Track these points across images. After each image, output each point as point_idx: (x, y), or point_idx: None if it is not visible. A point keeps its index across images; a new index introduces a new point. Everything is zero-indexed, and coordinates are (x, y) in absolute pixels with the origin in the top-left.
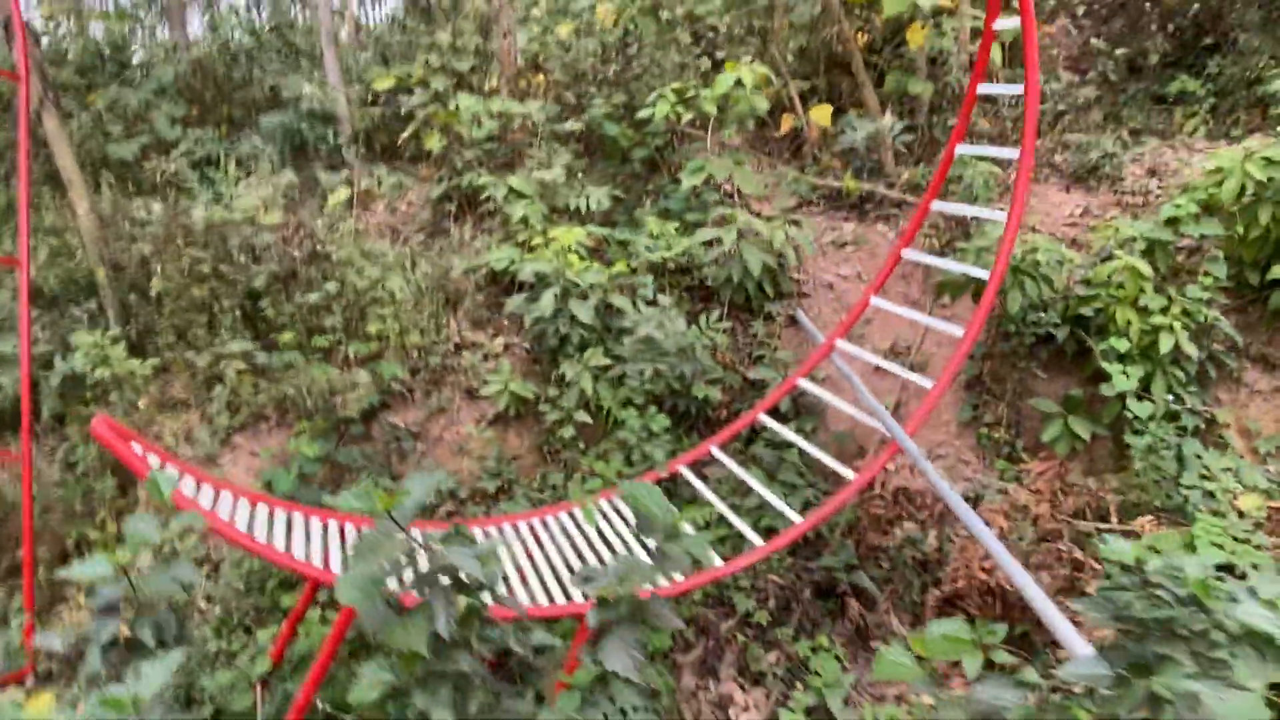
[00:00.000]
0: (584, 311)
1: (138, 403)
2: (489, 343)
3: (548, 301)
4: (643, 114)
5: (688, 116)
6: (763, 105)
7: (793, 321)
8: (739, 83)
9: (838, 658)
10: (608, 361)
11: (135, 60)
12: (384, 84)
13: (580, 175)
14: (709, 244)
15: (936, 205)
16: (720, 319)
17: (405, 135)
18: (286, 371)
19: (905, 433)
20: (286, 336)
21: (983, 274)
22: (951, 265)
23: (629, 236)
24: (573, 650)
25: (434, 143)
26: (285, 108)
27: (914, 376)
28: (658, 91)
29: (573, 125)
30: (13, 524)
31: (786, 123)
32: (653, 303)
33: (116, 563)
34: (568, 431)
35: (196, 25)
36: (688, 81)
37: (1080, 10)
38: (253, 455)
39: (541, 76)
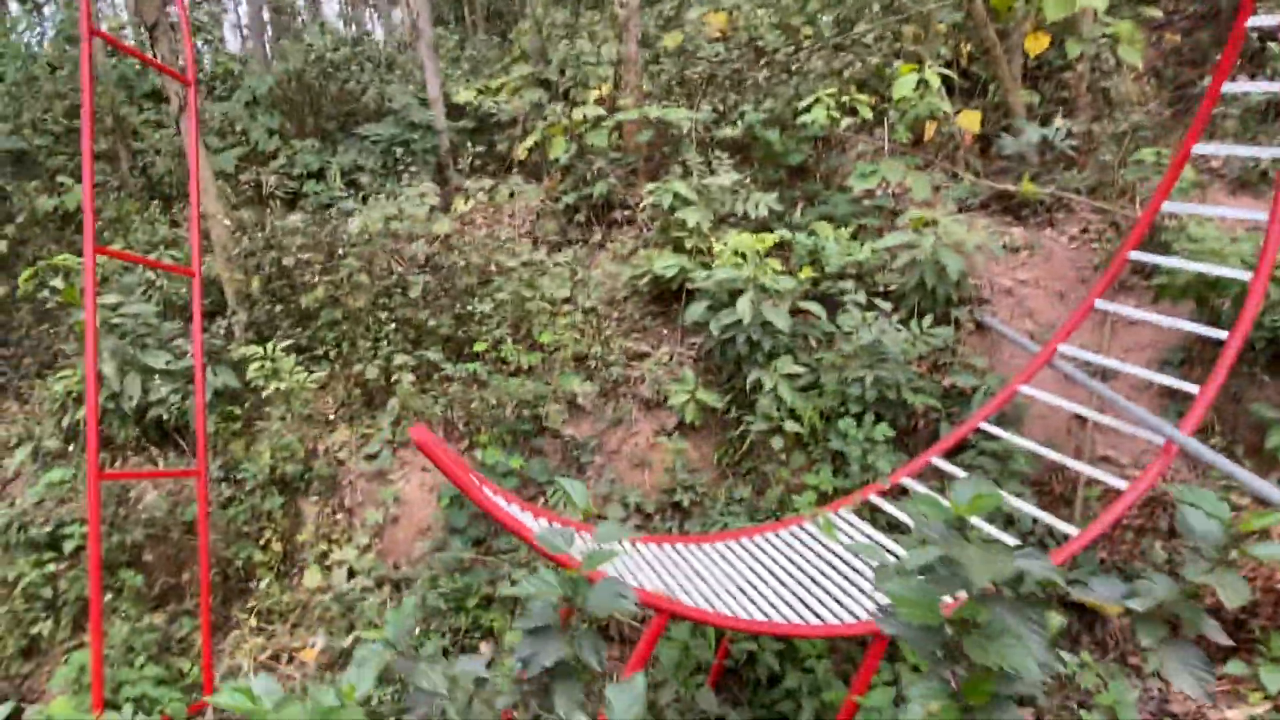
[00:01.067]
0: (779, 318)
1: (303, 415)
2: (654, 351)
3: (744, 307)
4: (803, 119)
5: (845, 121)
6: (945, 107)
7: (979, 327)
8: (922, 84)
9: (1099, 675)
10: (800, 369)
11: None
12: (467, 95)
13: (748, 182)
14: (894, 249)
15: (1169, 206)
16: (932, 325)
17: (526, 144)
18: (470, 383)
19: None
20: (480, 346)
21: (1244, 275)
22: (1196, 266)
23: (806, 241)
24: (867, 669)
25: (559, 151)
26: (382, 119)
27: (1172, 381)
28: (814, 95)
29: (730, 131)
30: (172, 545)
31: (931, 128)
32: (869, 307)
33: (568, 575)
34: (776, 442)
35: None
36: (829, 87)
37: None
38: (424, 470)
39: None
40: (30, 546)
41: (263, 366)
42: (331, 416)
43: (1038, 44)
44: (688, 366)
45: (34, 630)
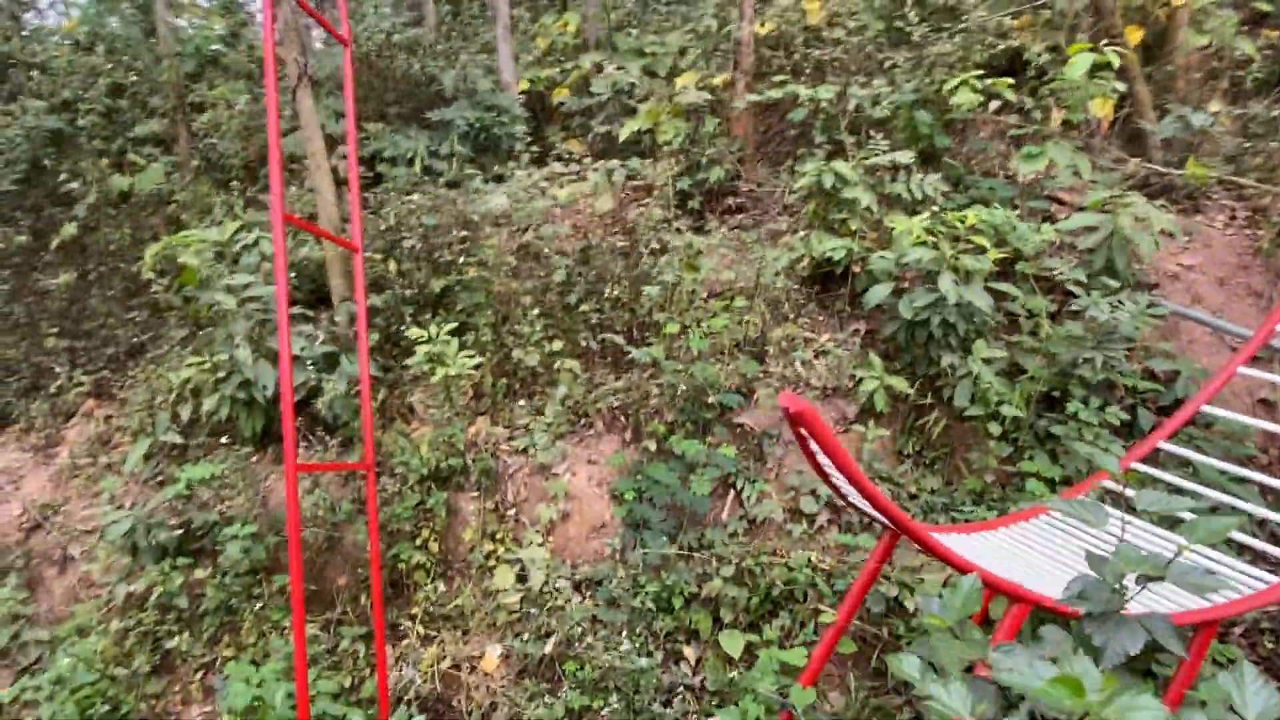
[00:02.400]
0: (980, 298)
1: (460, 404)
2: (819, 337)
3: (948, 287)
4: (953, 100)
5: (988, 104)
6: (1120, 86)
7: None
8: (1101, 66)
9: None
10: (999, 353)
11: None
12: (538, 77)
13: (909, 163)
14: (1076, 231)
15: None
16: (1149, 306)
17: (632, 127)
18: (640, 368)
19: None
20: (671, 328)
21: None
22: None
23: (993, 219)
24: (1196, 658)
25: (668, 135)
26: (449, 103)
27: None
28: (959, 78)
29: (879, 112)
30: (309, 548)
31: (1106, 107)
32: (1084, 285)
33: None
34: (979, 429)
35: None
36: (967, 70)
37: None
38: (590, 464)
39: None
40: (159, 552)
41: (428, 353)
42: (482, 407)
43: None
44: (871, 352)
45: (168, 645)
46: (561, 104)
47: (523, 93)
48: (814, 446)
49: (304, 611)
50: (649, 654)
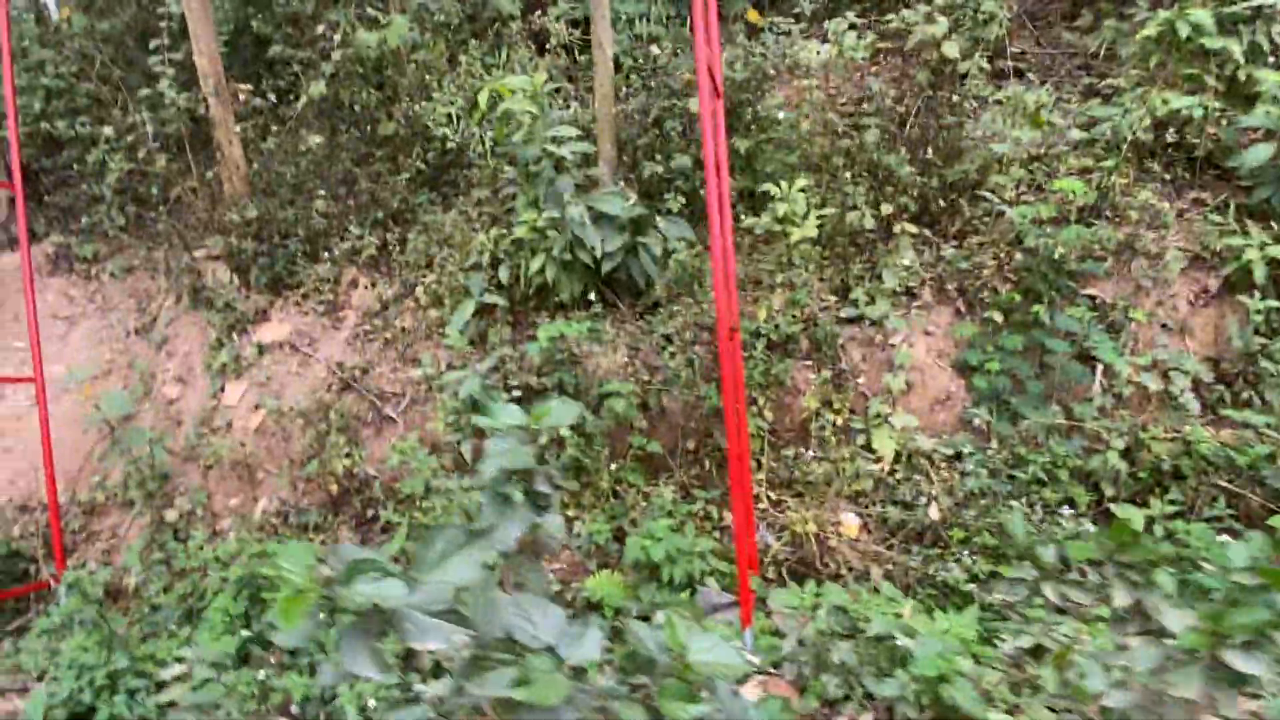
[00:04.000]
0: None
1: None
2: (1166, 204)
3: None
4: None
5: None
6: None
7: None
8: None
9: None
10: None
11: None
12: None
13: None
14: None
15: None
16: None
17: None
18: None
19: None
20: (1006, 191)
21: None
22: None
23: None
24: None
25: None
26: None
27: None
28: None
29: None
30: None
31: None
32: None
33: None
34: None
35: None
36: None
37: None
38: (928, 334)
39: None
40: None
41: (772, 211)
42: (812, 273)
43: None
44: (1248, 219)
45: None
46: None
47: None
48: None
49: (747, 472)
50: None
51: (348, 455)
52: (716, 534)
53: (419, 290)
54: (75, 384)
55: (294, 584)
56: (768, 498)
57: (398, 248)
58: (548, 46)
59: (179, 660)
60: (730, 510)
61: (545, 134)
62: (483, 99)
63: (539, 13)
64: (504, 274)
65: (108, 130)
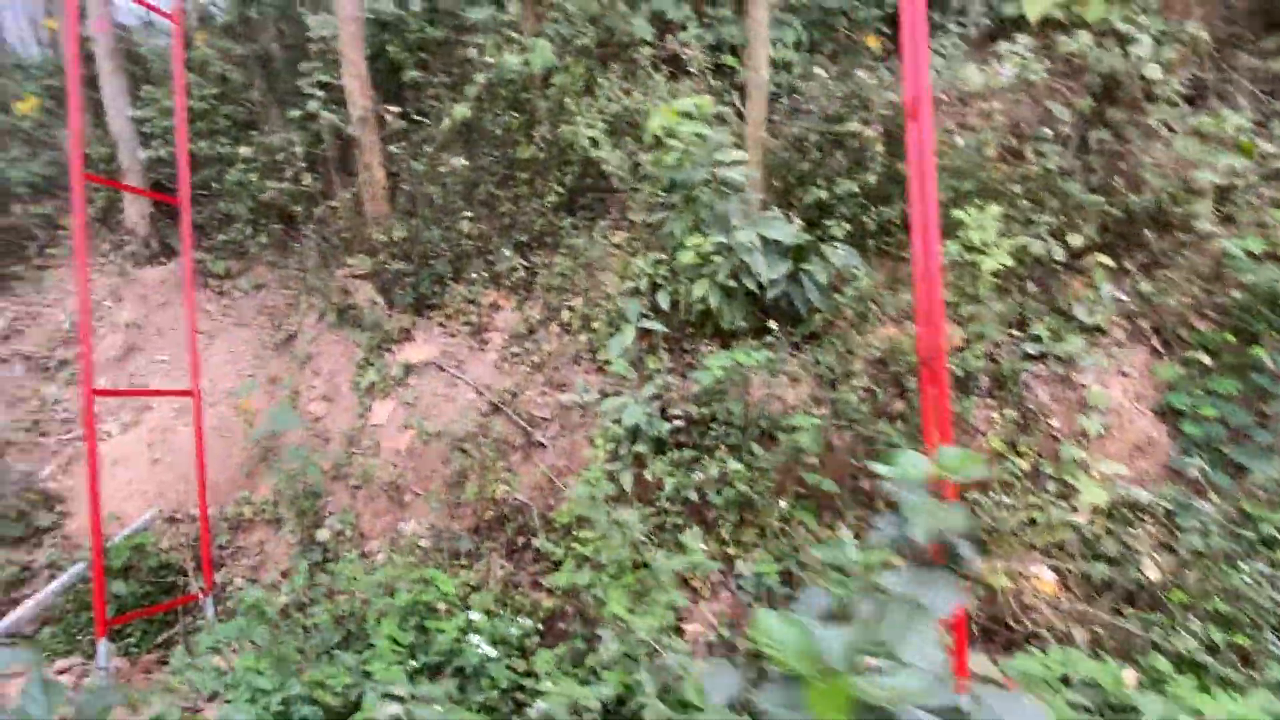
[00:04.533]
0: None
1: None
2: None
3: None
4: None
5: None
6: None
7: None
8: None
9: None
10: None
11: None
12: None
13: None
14: None
15: None
16: None
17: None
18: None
19: None
20: (1200, 222)
21: None
22: None
23: None
24: None
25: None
26: None
27: None
28: None
29: None
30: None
31: None
32: None
33: None
34: None
35: None
36: None
37: None
38: (1123, 375)
39: None
40: (655, 443)
41: (961, 238)
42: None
43: None
44: None
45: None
46: None
47: None
48: None
49: None
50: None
51: (500, 481)
52: None
53: (564, 314)
54: (223, 397)
55: (814, 670)
56: None
57: (541, 270)
58: (690, 71)
59: (395, 699)
60: None
61: (712, 157)
62: (655, 122)
63: (670, 36)
64: (663, 299)
65: (244, 150)
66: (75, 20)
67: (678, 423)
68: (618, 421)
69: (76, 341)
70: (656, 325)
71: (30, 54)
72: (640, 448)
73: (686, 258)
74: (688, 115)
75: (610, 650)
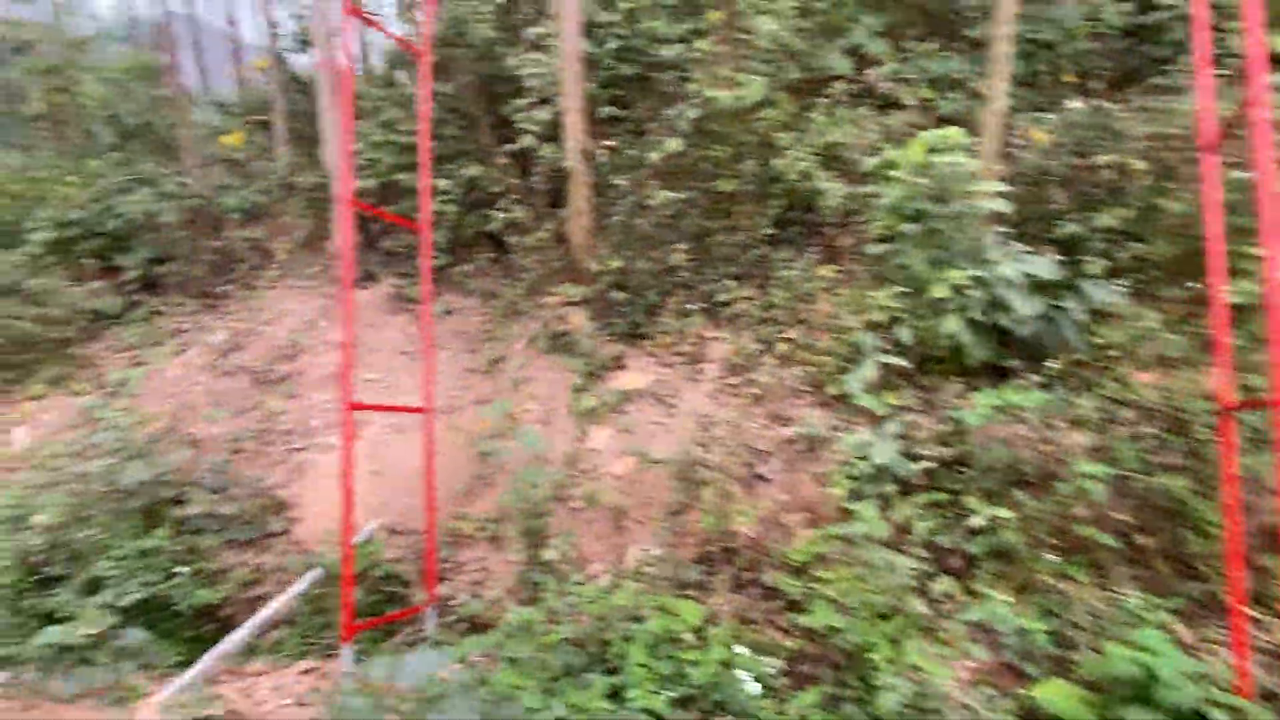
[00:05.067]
0: None
1: None
2: None
3: None
4: None
5: None
6: None
7: None
8: None
9: None
10: None
11: None
12: None
13: None
14: None
15: None
16: None
17: None
18: None
19: None
20: None
21: None
22: None
23: None
24: None
25: None
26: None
27: None
28: None
29: None
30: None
31: None
32: None
33: None
34: None
35: None
36: None
37: None
38: None
39: None
40: (900, 484)
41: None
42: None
43: None
44: None
45: (936, 587)
46: None
47: None
48: None
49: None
50: None
51: (735, 513)
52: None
53: (779, 345)
54: (441, 415)
55: None
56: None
57: (752, 301)
58: (904, 103)
59: None
60: (1189, 625)
61: (964, 188)
62: (914, 152)
63: (869, 70)
64: (904, 334)
65: (442, 183)
66: (350, 66)
67: (927, 464)
68: (862, 458)
69: (293, 357)
70: (896, 359)
71: (230, 92)
72: (888, 488)
73: (940, 291)
74: (936, 149)
75: (891, 699)
